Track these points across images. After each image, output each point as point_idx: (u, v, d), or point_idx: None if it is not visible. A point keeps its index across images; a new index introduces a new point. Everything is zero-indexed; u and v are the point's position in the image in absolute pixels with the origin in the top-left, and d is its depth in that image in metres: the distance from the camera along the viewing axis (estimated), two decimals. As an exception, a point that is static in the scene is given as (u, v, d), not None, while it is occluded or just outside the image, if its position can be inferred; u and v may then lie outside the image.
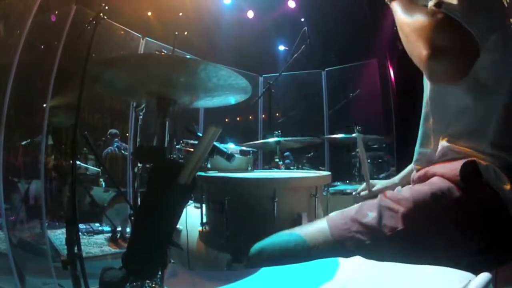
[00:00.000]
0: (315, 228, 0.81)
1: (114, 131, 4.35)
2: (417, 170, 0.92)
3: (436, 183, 0.78)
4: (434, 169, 0.83)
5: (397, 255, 0.70)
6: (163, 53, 1.45)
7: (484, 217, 0.73)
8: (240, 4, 5.44)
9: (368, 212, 0.78)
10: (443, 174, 0.79)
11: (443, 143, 0.83)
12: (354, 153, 2.72)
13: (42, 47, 3.03)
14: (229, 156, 1.41)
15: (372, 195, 1.21)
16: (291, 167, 3.59)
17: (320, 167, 4.44)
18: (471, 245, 0.72)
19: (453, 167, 0.77)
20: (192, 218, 1.62)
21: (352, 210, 0.82)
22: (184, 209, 1.46)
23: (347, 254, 0.73)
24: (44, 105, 2.58)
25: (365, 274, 0.58)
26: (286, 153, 5.08)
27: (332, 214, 0.85)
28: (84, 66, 1.58)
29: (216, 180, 1.35)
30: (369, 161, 3.37)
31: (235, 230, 1.18)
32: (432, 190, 0.77)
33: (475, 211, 0.73)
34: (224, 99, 1.27)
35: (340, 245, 0.76)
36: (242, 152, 1.80)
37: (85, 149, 4.23)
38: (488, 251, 0.73)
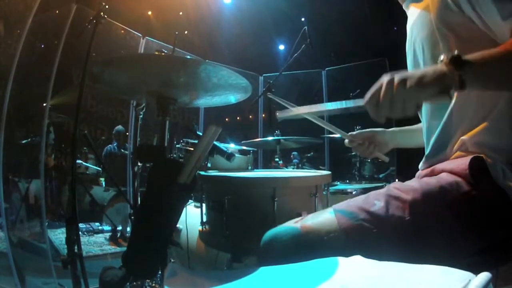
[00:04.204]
0: (322, 218, 0.81)
1: (121, 129, 4.25)
2: (423, 168, 0.92)
3: (445, 177, 0.79)
4: (442, 165, 0.83)
5: (401, 247, 0.70)
6: (163, 54, 1.45)
7: (489, 214, 0.73)
8: (240, 4, 5.45)
9: (375, 201, 0.78)
10: (451, 169, 0.79)
11: (462, 138, 0.83)
12: (354, 153, 2.72)
13: (42, 46, 3.03)
14: (229, 156, 1.41)
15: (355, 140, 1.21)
16: (292, 167, 3.60)
17: (320, 167, 4.45)
18: (474, 242, 0.72)
19: (462, 163, 0.77)
20: (192, 218, 1.62)
21: (359, 199, 0.82)
22: (184, 209, 1.46)
23: (353, 243, 0.73)
24: (44, 105, 2.58)
25: (364, 274, 0.58)
26: (294, 153, 5.11)
27: (339, 204, 0.85)
28: (84, 65, 1.58)
29: (216, 180, 1.35)
30: (369, 160, 3.37)
31: (235, 230, 1.18)
32: (440, 183, 0.77)
33: (481, 207, 0.73)
34: (224, 98, 1.27)
35: (346, 234, 0.75)
36: (242, 152, 1.80)
37: (85, 148, 4.23)
38: (490, 249, 0.73)
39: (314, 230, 0.78)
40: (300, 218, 0.85)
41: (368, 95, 0.75)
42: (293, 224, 0.82)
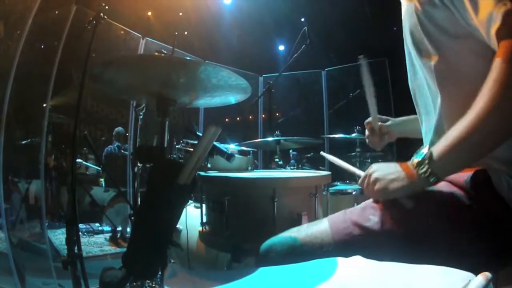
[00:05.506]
0: (317, 229, 0.80)
1: (121, 130, 4.20)
2: None
3: (443, 188, 0.76)
4: None
5: (397, 260, 0.69)
6: (163, 54, 1.45)
7: (491, 227, 0.70)
8: (240, 4, 5.45)
9: (370, 216, 0.77)
10: (451, 180, 0.77)
11: None
12: (354, 153, 2.72)
13: (42, 47, 3.03)
14: (229, 156, 1.41)
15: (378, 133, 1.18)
16: (291, 167, 3.59)
17: (320, 167, 4.45)
18: (474, 254, 0.70)
19: (462, 174, 0.75)
20: (192, 218, 1.62)
21: (354, 213, 0.81)
22: (184, 209, 1.46)
23: (348, 256, 0.72)
24: (44, 105, 2.58)
25: (364, 274, 0.58)
26: (294, 153, 5.08)
27: (334, 216, 0.83)
28: (84, 66, 1.58)
29: (216, 180, 1.35)
30: (369, 160, 3.36)
31: (235, 230, 1.18)
32: (438, 195, 0.75)
33: (482, 220, 0.71)
34: (224, 98, 1.27)
35: (340, 248, 0.75)
36: (242, 152, 1.80)
37: (85, 149, 4.23)
38: (491, 259, 0.71)
39: (309, 243, 0.78)
40: (296, 228, 0.85)
41: (360, 179, 0.84)
42: (289, 235, 0.82)
